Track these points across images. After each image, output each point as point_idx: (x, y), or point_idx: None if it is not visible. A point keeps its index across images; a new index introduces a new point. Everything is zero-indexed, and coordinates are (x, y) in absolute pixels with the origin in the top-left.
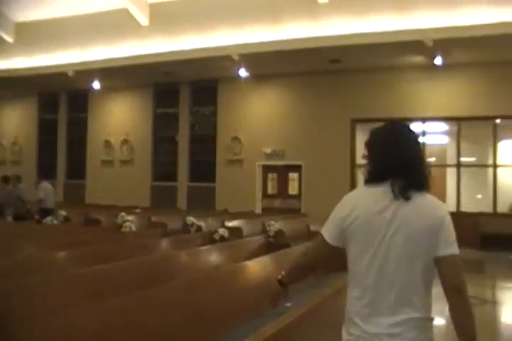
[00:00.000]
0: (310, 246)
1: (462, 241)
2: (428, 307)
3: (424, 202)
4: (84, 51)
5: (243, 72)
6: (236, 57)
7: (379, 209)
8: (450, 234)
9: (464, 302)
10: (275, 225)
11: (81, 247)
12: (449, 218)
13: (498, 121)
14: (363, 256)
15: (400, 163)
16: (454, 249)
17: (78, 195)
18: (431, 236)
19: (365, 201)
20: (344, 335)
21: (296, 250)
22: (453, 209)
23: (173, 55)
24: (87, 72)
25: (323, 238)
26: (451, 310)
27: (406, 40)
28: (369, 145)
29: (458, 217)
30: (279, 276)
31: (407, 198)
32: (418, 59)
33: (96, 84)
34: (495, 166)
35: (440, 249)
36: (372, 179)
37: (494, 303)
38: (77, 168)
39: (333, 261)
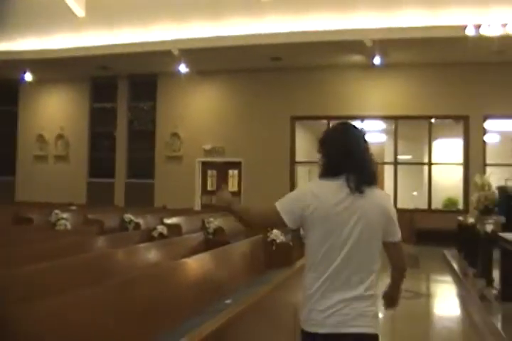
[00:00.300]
0: (267, 215)
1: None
2: (375, 286)
3: (375, 195)
4: (14, 41)
5: (183, 68)
6: (176, 53)
7: (336, 201)
8: (396, 223)
9: (403, 277)
10: (214, 222)
11: (10, 247)
12: (394, 209)
13: (433, 120)
14: (323, 243)
15: (351, 161)
16: (399, 237)
17: (6, 192)
18: (382, 225)
19: (323, 193)
20: (304, 311)
21: (235, 247)
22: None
23: (111, 49)
24: (16, 62)
25: (282, 219)
26: (392, 273)
27: (346, 40)
28: (322, 143)
29: None
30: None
31: (361, 192)
32: (358, 58)
33: (28, 76)
34: (430, 164)
35: (389, 236)
36: (326, 174)
37: (428, 296)
38: (4, 163)
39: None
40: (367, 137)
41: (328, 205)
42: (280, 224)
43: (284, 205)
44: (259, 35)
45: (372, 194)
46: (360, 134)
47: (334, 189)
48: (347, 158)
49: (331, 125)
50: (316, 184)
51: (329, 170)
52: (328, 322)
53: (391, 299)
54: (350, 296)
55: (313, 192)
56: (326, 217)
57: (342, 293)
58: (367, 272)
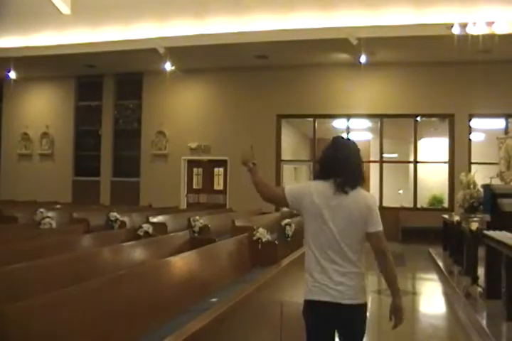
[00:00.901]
0: (275, 191)
1: (384, 234)
2: (361, 265)
3: (357, 195)
4: None
5: (168, 66)
6: (161, 51)
7: (326, 197)
8: (376, 217)
9: (388, 260)
10: (200, 220)
11: None
12: (375, 206)
13: (418, 118)
14: (312, 223)
15: (338, 167)
16: (379, 227)
17: None
18: (362, 219)
19: (318, 190)
20: (305, 286)
21: (221, 245)
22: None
23: (96, 47)
24: (0, 60)
25: (284, 189)
26: (380, 265)
27: (331, 38)
28: (321, 153)
29: (380, 211)
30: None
31: (345, 192)
32: (343, 57)
33: (12, 74)
34: (415, 162)
35: (369, 227)
36: (319, 176)
37: (414, 294)
38: None
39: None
40: (357, 147)
41: (320, 198)
42: (281, 202)
43: (292, 190)
44: (245, 34)
45: (355, 194)
46: (347, 145)
47: (325, 188)
48: (334, 165)
49: (316, 123)
50: (314, 182)
51: (321, 173)
52: (330, 293)
53: (395, 310)
54: (341, 272)
55: (312, 186)
56: (314, 206)
57: (334, 269)
58: (351, 253)
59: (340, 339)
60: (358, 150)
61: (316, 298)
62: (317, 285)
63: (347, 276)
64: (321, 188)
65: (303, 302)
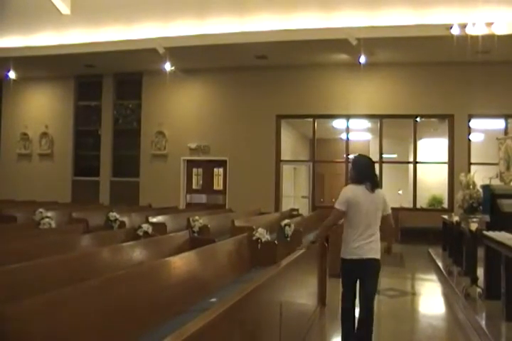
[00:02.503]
0: (331, 217)
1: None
2: (377, 235)
3: (377, 193)
4: None
5: (168, 66)
6: (161, 51)
7: (362, 195)
8: (388, 205)
9: (392, 227)
10: (200, 221)
11: None
12: (387, 199)
13: (418, 119)
14: (355, 215)
15: (367, 176)
16: (390, 211)
17: None
18: (381, 206)
19: (355, 191)
20: (345, 249)
21: (220, 245)
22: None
23: (96, 47)
24: (0, 59)
25: (339, 210)
26: (386, 232)
27: (331, 38)
28: (353, 164)
29: None
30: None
31: (373, 192)
32: (343, 57)
33: (12, 74)
34: (415, 163)
35: (385, 211)
36: (355, 182)
37: (413, 294)
38: None
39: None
40: (372, 161)
41: (358, 197)
42: (342, 217)
43: (341, 205)
44: (245, 34)
45: (377, 192)
46: (370, 160)
47: (360, 189)
48: (365, 176)
49: (316, 124)
50: (351, 186)
51: (356, 179)
52: (354, 253)
53: (388, 249)
54: (368, 242)
55: (350, 190)
56: (356, 203)
57: (362, 240)
58: (374, 228)
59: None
60: (374, 163)
61: (353, 257)
62: (353, 250)
63: (374, 242)
64: (357, 191)
65: (344, 260)
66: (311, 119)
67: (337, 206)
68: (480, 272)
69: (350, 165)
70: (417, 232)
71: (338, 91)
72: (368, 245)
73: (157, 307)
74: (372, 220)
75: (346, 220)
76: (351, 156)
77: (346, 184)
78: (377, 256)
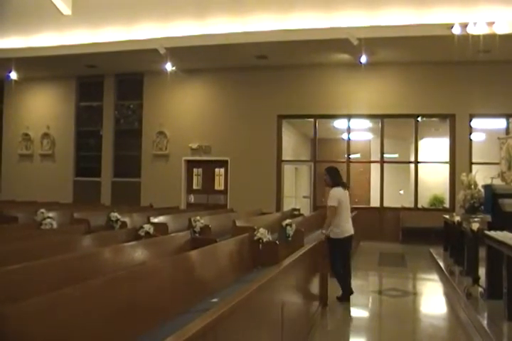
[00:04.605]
0: (330, 213)
1: (385, 235)
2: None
3: (347, 191)
4: None
5: (169, 66)
6: (162, 51)
7: (343, 194)
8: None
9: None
10: (201, 221)
11: None
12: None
13: (419, 119)
14: (342, 207)
15: (341, 180)
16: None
17: None
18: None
19: (339, 192)
20: (334, 230)
21: (222, 245)
22: (377, 204)
23: (97, 47)
24: (1, 60)
25: (334, 206)
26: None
27: (332, 38)
28: (328, 173)
29: (381, 212)
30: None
31: (347, 190)
32: (344, 57)
33: (13, 75)
34: (416, 163)
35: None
36: (335, 185)
37: (414, 294)
38: None
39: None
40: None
41: (343, 196)
42: (335, 209)
43: (335, 202)
44: (245, 34)
45: (346, 191)
46: (338, 169)
47: (341, 190)
48: (340, 180)
49: (317, 124)
50: (336, 189)
51: (334, 183)
52: (346, 231)
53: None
54: (350, 223)
55: (338, 191)
56: (342, 200)
57: (347, 222)
58: (349, 215)
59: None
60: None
61: (346, 234)
62: (346, 229)
63: (351, 219)
64: (340, 191)
65: (337, 239)
66: (313, 119)
67: (332, 204)
68: (481, 272)
69: (325, 173)
70: (419, 232)
71: (339, 91)
72: (350, 225)
73: (158, 307)
74: (349, 209)
75: (337, 212)
76: (351, 156)
77: (348, 184)
78: (353, 231)
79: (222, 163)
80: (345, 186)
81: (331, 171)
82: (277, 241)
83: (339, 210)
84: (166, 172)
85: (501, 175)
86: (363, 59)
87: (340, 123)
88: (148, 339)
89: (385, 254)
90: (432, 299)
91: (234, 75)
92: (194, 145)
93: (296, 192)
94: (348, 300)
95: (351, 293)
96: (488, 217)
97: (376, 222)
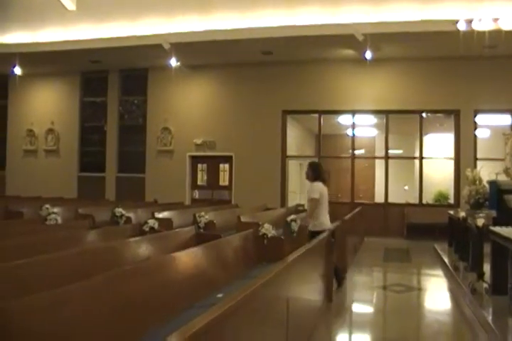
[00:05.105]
0: (313, 204)
1: (390, 231)
2: None
3: (325, 186)
4: (3, 34)
5: (174, 62)
6: (167, 46)
7: (323, 188)
8: None
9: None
10: (206, 216)
11: (0, 241)
12: None
13: (424, 114)
14: (323, 200)
15: (322, 175)
16: None
17: None
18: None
19: (321, 186)
20: (313, 222)
21: (227, 241)
22: (381, 200)
23: (102, 43)
24: (6, 56)
25: (317, 198)
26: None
27: (337, 34)
28: (312, 168)
29: (386, 208)
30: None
31: (325, 185)
32: (349, 52)
33: (17, 70)
34: (421, 158)
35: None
36: (316, 179)
37: (419, 290)
38: None
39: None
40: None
41: (323, 189)
42: (318, 201)
43: (317, 195)
44: (250, 29)
45: (326, 187)
46: (320, 165)
47: (322, 184)
48: (320, 175)
49: (321, 119)
50: (317, 183)
51: (316, 178)
52: (324, 224)
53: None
54: (328, 217)
55: (319, 186)
56: (323, 193)
57: (325, 216)
58: (327, 210)
59: None
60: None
61: (324, 227)
62: (325, 221)
63: (328, 215)
64: (321, 185)
65: (315, 231)
66: (317, 115)
67: (315, 196)
68: (486, 267)
69: (308, 167)
70: (423, 228)
71: (344, 87)
72: (328, 219)
73: (163, 302)
74: (327, 204)
75: (319, 204)
76: (356, 152)
77: (352, 179)
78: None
79: (227, 159)
80: (325, 182)
81: (313, 166)
82: (282, 237)
83: (321, 203)
84: (171, 167)
85: (506, 171)
86: (368, 54)
87: (344, 119)
88: (154, 334)
89: (390, 250)
90: (437, 295)
91: (239, 71)
92: (198, 141)
93: (301, 187)
94: (341, 282)
95: (343, 277)
96: (493, 213)
97: (381, 217)
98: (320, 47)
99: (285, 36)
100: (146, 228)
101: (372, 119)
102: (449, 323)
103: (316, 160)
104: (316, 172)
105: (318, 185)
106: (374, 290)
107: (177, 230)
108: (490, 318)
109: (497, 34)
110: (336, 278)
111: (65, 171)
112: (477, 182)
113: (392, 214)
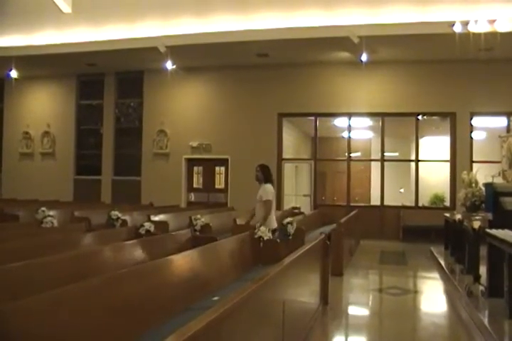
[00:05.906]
0: (269, 206)
1: (386, 233)
2: None
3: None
4: None
5: (170, 65)
6: (163, 49)
7: (273, 190)
8: None
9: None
10: (202, 219)
11: None
12: None
13: (420, 117)
14: (273, 203)
15: (271, 178)
16: None
17: None
18: None
19: (271, 188)
20: (271, 223)
21: (222, 244)
22: (377, 202)
23: (97, 45)
24: (1, 59)
25: (271, 200)
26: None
27: (333, 36)
28: (262, 170)
29: (382, 210)
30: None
31: (273, 187)
32: (344, 55)
33: (13, 73)
34: (417, 161)
35: None
36: (267, 182)
37: (415, 293)
38: None
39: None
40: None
41: (273, 192)
42: (271, 203)
43: (270, 197)
44: (246, 32)
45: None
46: (268, 167)
47: (271, 186)
48: (270, 177)
49: (317, 122)
50: (269, 185)
51: (266, 180)
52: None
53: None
54: (274, 218)
55: (271, 188)
56: (273, 195)
57: (273, 216)
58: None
59: None
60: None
61: (274, 226)
62: (274, 222)
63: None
64: (271, 187)
65: (273, 228)
66: (313, 117)
67: (269, 198)
68: (482, 270)
69: (258, 170)
70: (419, 230)
71: (339, 90)
72: (275, 220)
73: (159, 305)
74: (274, 205)
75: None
76: (352, 154)
77: (348, 182)
78: None
79: (223, 162)
80: (273, 184)
81: (263, 168)
82: (278, 240)
83: (272, 205)
84: (167, 170)
85: (502, 174)
86: (364, 57)
87: (340, 122)
88: (149, 337)
89: (386, 253)
90: (433, 297)
91: (234, 73)
92: (194, 144)
93: (297, 190)
94: None
95: None
96: (489, 216)
97: (377, 220)
98: (316, 50)
99: (281, 39)
100: (142, 231)
101: (368, 122)
102: (445, 326)
103: (312, 162)
104: (266, 175)
105: (270, 187)
106: (370, 292)
107: (173, 233)
108: (486, 321)
109: (493, 36)
110: None
111: (61, 174)
112: (473, 184)
113: (388, 216)
